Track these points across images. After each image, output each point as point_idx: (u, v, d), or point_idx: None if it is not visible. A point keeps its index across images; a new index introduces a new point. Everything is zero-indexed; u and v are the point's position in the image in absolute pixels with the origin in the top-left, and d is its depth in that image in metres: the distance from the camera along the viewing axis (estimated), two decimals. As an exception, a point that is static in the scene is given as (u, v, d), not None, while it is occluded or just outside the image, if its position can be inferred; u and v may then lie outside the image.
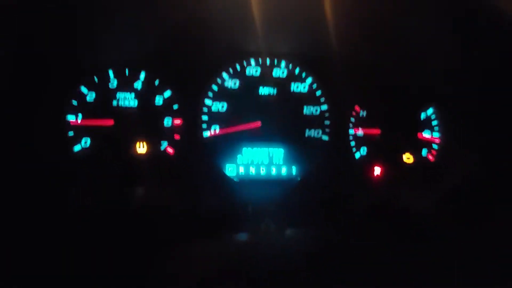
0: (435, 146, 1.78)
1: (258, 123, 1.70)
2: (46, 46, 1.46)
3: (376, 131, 1.76)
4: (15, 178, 1.38)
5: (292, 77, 1.73)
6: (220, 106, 1.70)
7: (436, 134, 1.78)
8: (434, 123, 1.78)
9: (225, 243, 1.20)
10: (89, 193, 1.49)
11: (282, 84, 1.72)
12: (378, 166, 1.75)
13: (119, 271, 1.08)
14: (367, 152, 1.76)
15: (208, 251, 1.13)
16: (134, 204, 1.48)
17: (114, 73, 1.63)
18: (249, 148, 1.72)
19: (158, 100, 1.65)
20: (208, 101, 1.69)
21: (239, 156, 1.72)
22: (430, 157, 1.78)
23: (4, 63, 1.38)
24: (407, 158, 1.76)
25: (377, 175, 1.75)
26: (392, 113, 1.77)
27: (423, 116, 1.78)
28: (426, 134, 1.78)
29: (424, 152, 1.78)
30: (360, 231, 1.37)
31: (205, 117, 1.69)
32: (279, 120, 1.72)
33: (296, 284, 1.01)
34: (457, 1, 1.30)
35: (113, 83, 1.63)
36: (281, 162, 1.74)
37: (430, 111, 1.78)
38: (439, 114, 1.78)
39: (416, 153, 1.77)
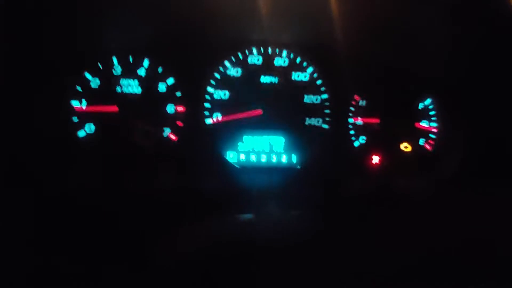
0: (432, 136, 1.81)
1: (260, 111, 1.72)
2: (51, 32, 1.47)
3: (375, 120, 1.79)
4: (19, 162, 1.41)
5: (293, 66, 1.76)
6: (222, 94, 1.72)
7: (433, 124, 1.81)
8: (432, 113, 1.82)
9: (227, 223, 1.23)
10: (91, 176, 1.51)
11: (283, 73, 1.75)
12: (376, 154, 1.79)
13: (120, 253, 1.11)
14: (366, 141, 1.79)
15: (210, 231, 1.16)
16: (135, 188, 1.51)
17: (118, 59, 1.65)
18: (250, 136, 1.75)
19: (162, 87, 1.68)
20: (210, 89, 1.71)
21: (240, 143, 1.75)
22: (428, 146, 1.81)
23: (9, 49, 1.41)
24: (405, 147, 1.80)
25: (375, 163, 1.78)
26: (391, 103, 1.79)
27: (421, 106, 1.81)
28: (423, 124, 1.81)
29: (421, 141, 1.81)
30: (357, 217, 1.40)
31: (207, 105, 1.71)
32: (280, 108, 1.75)
33: (297, 263, 1.04)
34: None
35: (117, 69, 1.65)
36: (281, 150, 1.77)
37: (428, 101, 1.81)
38: (436, 104, 1.81)
39: (413, 142, 1.81)
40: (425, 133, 1.82)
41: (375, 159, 1.79)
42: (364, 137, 1.79)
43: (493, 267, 1.10)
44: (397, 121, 1.80)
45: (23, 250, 1.09)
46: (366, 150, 1.79)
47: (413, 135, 1.81)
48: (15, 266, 1.03)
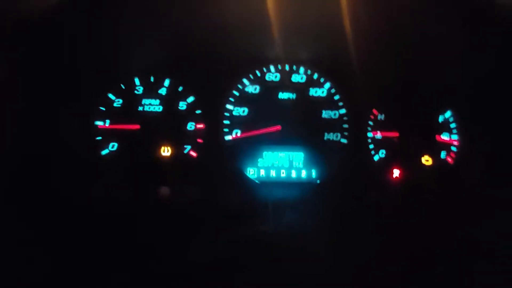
0: (453, 149, 1.79)
1: (278, 127, 1.75)
2: (76, 56, 1.54)
3: (394, 134, 1.78)
4: (44, 180, 1.46)
5: (310, 82, 1.78)
6: (241, 111, 1.76)
7: (454, 137, 1.79)
8: (453, 125, 1.80)
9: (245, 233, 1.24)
10: (114, 192, 1.55)
11: (301, 89, 1.78)
12: (397, 168, 1.77)
13: (140, 264, 1.13)
14: (385, 155, 1.78)
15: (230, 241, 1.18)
16: (157, 203, 1.54)
17: (140, 80, 1.71)
18: (269, 152, 1.77)
19: (182, 106, 1.72)
20: (229, 106, 1.75)
21: (260, 159, 1.77)
22: (449, 159, 1.79)
23: (39, 72, 1.48)
24: (426, 160, 1.78)
25: (396, 177, 1.77)
26: (410, 116, 1.79)
27: (441, 118, 1.80)
28: (444, 137, 1.79)
29: (443, 154, 1.79)
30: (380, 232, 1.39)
31: (226, 121, 1.75)
32: (298, 124, 1.76)
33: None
34: (474, 5, 1.33)
35: (139, 90, 1.71)
36: (301, 165, 1.78)
37: (448, 113, 1.80)
38: (457, 116, 1.79)
39: (435, 156, 1.79)
40: (446, 146, 1.80)
41: (396, 172, 1.77)
42: (383, 151, 1.78)
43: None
44: (417, 134, 1.79)
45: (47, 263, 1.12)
46: (386, 164, 1.78)
47: (434, 148, 1.79)
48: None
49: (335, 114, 1.78)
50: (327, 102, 1.78)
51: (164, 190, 1.62)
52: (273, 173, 1.77)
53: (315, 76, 1.77)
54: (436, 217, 1.50)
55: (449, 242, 1.34)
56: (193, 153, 1.72)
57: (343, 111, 1.78)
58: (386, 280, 1.14)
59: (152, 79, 1.71)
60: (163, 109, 1.71)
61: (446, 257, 1.26)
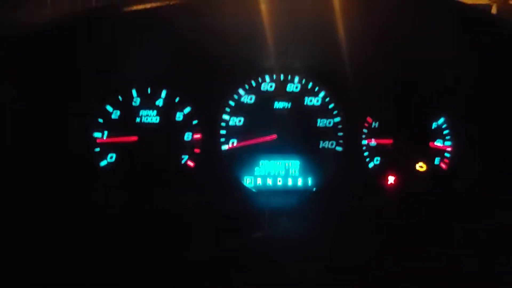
0: (447, 155, 1.82)
1: (274, 136, 1.77)
2: (73, 69, 1.57)
3: (388, 141, 1.81)
4: (42, 192, 1.48)
5: (305, 91, 1.80)
6: (237, 121, 1.78)
7: (448, 143, 1.82)
8: (446, 132, 1.82)
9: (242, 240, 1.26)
10: (112, 202, 1.57)
11: (296, 98, 1.80)
12: (391, 175, 1.80)
13: (138, 272, 1.15)
14: (380, 162, 1.81)
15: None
16: (154, 212, 1.56)
17: (137, 92, 1.73)
18: (266, 160, 1.79)
19: (179, 116, 1.74)
20: (225, 116, 1.77)
21: (256, 168, 1.79)
22: (443, 165, 1.81)
23: (35, 84, 1.50)
24: (420, 166, 1.81)
25: (391, 183, 1.79)
26: (404, 123, 1.81)
27: (434, 125, 1.82)
28: (438, 143, 1.82)
29: (437, 160, 1.82)
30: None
31: (223, 131, 1.77)
32: (294, 132, 1.79)
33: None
34: (470, 14, 1.36)
35: (136, 101, 1.73)
36: (297, 174, 1.80)
37: (441, 120, 1.82)
38: (450, 123, 1.82)
39: (429, 162, 1.81)
40: (440, 152, 1.82)
41: (391, 179, 1.80)
42: (378, 158, 1.81)
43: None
44: (411, 141, 1.81)
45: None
46: (381, 171, 1.80)
47: (428, 154, 1.82)
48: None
49: (329, 123, 1.81)
50: (322, 111, 1.80)
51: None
52: (269, 182, 1.79)
53: (310, 85, 1.80)
54: (431, 222, 1.52)
55: (445, 247, 1.36)
56: (191, 163, 1.74)
57: (337, 119, 1.80)
58: (383, 283, 1.16)
59: (149, 90, 1.73)
60: (160, 120, 1.73)
61: (442, 261, 1.28)
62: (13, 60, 1.35)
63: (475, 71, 1.63)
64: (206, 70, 1.72)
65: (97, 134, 1.70)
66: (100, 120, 1.70)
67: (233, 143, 1.77)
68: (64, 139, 1.62)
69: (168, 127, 1.73)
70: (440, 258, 1.28)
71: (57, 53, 1.44)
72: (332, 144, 1.81)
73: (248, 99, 1.79)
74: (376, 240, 1.38)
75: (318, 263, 1.20)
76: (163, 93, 1.74)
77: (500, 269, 1.22)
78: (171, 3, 1.28)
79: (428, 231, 1.43)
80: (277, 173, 1.80)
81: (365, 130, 1.81)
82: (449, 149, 1.82)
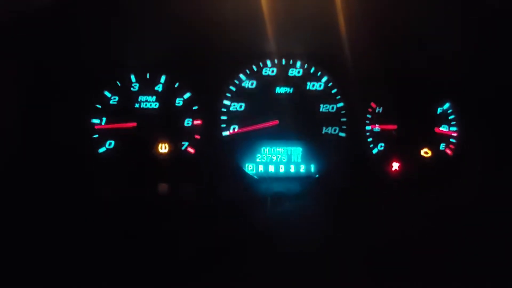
0: (452, 140, 1.78)
1: (276, 122, 1.74)
2: (70, 53, 1.54)
3: (393, 127, 1.77)
4: (42, 178, 1.45)
5: (307, 76, 1.77)
6: (238, 106, 1.75)
7: (453, 128, 1.78)
8: (451, 117, 1.79)
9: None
10: (112, 189, 1.55)
11: (298, 83, 1.76)
12: (396, 161, 1.77)
13: (139, 260, 1.12)
14: (384, 148, 1.77)
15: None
16: (156, 198, 1.53)
17: (135, 77, 1.70)
18: (267, 147, 1.76)
19: (179, 102, 1.71)
20: (226, 102, 1.74)
21: (258, 154, 1.76)
22: (449, 151, 1.78)
23: (33, 71, 1.47)
24: (425, 152, 1.77)
25: (395, 169, 1.76)
26: (409, 109, 1.77)
27: (439, 110, 1.79)
28: (443, 129, 1.78)
29: (442, 146, 1.78)
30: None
31: (224, 117, 1.74)
32: (296, 118, 1.75)
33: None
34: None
35: (135, 86, 1.69)
36: (299, 160, 1.77)
37: (446, 105, 1.78)
38: (455, 108, 1.78)
39: (434, 148, 1.78)
40: (445, 138, 1.79)
41: (395, 165, 1.76)
42: (382, 144, 1.77)
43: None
44: (415, 126, 1.78)
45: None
46: (386, 157, 1.77)
47: (433, 140, 1.78)
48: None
49: (332, 108, 1.77)
50: (325, 96, 1.77)
51: (163, 187, 1.62)
52: (271, 168, 1.76)
53: (312, 69, 1.76)
54: (435, 209, 1.49)
55: (449, 233, 1.33)
56: (191, 150, 1.71)
57: (340, 104, 1.77)
58: (383, 270, 1.13)
59: (148, 75, 1.70)
60: (160, 105, 1.70)
61: (446, 248, 1.25)
62: (11, 43, 1.32)
63: (479, 58, 1.59)
64: (206, 55, 1.69)
65: (95, 121, 1.67)
66: (98, 106, 1.67)
67: (234, 129, 1.74)
68: (62, 126, 1.59)
69: (168, 113, 1.70)
70: (440, 240, 1.25)
71: (55, 36, 1.41)
72: (335, 130, 1.77)
73: (249, 84, 1.75)
74: (378, 226, 1.35)
75: (320, 249, 1.17)
76: (162, 79, 1.70)
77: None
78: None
79: (431, 217, 1.41)
80: (279, 160, 1.76)
81: (368, 116, 1.78)
82: (454, 134, 1.78)
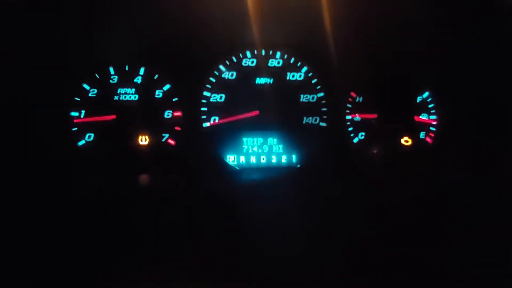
0: (432, 129, 1.80)
1: (256, 112, 1.73)
2: (48, 46, 1.52)
3: (373, 116, 1.78)
4: (20, 172, 1.44)
5: (287, 67, 1.77)
6: (218, 97, 1.74)
7: (433, 117, 1.80)
8: (431, 106, 1.80)
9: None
10: (94, 182, 1.53)
11: (278, 74, 1.77)
12: (376, 150, 1.78)
13: (121, 253, 1.12)
14: (365, 137, 1.78)
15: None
16: (137, 192, 1.52)
17: (114, 69, 1.68)
18: (249, 138, 1.76)
19: (158, 94, 1.70)
20: (206, 93, 1.73)
21: (239, 145, 1.76)
22: (428, 139, 1.80)
23: (10, 64, 1.45)
24: (405, 141, 1.79)
25: (376, 158, 1.77)
26: (388, 98, 1.79)
27: (419, 99, 1.80)
28: (423, 117, 1.80)
29: (422, 134, 1.80)
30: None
31: (204, 108, 1.73)
32: (276, 108, 1.75)
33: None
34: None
35: (114, 79, 1.68)
36: (280, 150, 1.77)
37: (426, 94, 1.80)
38: (434, 96, 1.80)
39: (414, 136, 1.79)
40: (425, 126, 1.80)
41: (376, 154, 1.77)
42: (363, 133, 1.78)
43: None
44: (395, 115, 1.79)
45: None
46: (366, 146, 1.78)
47: (413, 129, 1.80)
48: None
49: (313, 98, 1.78)
50: (305, 86, 1.77)
51: (144, 179, 1.61)
52: (253, 159, 1.76)
53: (292, 60, 1.76)
54: (416, 197, 1.50)
55: (432, 223, 1.34)
56: (171, 141, 1.70)
57: (321, 94, 1.77)
58: (367, 263, 1.13)
59: (127, 67, 1.69)
60: (139, 97, 1.69)
61: (429, 239, 1.25)
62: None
63: (459, 46, 1.61)
64: (185, 46, 1.67)
65: (74, 113, 1.65)
66: (77, 99, 1.65)
67: (214, 120, 1.74)
68: (41, 119, 1.57)
69: (148, 105, 1.69)
70: (421, 232, 1.26)
71: (33, 29, 1.39)
72: (316, 120, 1.78)
73: (229, 75, 1.75)
74: (362, 217, 1.36)
75: (302, 242, 1.18)
76: (142, 70, 1.69)
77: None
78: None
79: (413, 208, 1.42)
80: (260, 151, 1.76)
81: (349, 105, 1.79)
82: (434, 122, 1.80)
